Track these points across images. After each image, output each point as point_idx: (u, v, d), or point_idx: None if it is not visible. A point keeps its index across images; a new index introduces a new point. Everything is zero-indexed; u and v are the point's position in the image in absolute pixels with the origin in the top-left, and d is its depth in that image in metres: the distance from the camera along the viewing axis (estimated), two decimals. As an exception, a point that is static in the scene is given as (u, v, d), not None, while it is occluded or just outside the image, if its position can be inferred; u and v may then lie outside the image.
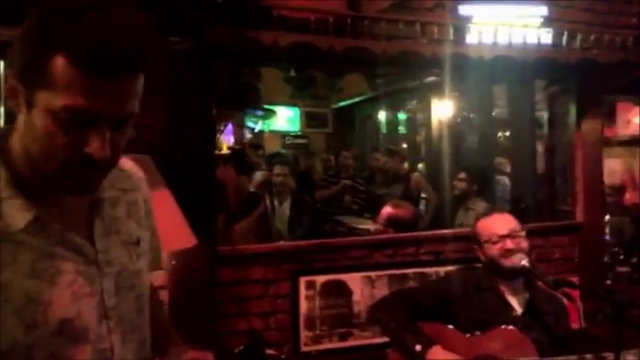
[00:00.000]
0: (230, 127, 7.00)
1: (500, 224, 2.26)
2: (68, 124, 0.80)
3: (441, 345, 2.09)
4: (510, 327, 2.14)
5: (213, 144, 3.17)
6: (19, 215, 0.84)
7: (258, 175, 4.95)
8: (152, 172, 2.19)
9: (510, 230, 2.22)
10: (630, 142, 3.42)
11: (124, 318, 0.96)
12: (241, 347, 2.06)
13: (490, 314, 2.19)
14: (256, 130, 8.19)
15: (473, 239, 2.36)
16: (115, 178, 0.98)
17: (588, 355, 1.92)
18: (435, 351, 2.06)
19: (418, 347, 2.07)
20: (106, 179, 0.91)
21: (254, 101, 7.15)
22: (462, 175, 4.59)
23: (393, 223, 3.35)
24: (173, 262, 2.48)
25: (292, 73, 7.27)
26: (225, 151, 6.33)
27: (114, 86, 0.80)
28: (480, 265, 2.41)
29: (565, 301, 2.25)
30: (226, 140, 6.98)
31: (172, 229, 2.14)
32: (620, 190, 3.42)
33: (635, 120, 3.30)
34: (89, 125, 0.81)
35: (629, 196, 3.37)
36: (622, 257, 3.39)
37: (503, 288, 2.26)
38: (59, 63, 0.78)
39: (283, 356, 2.58)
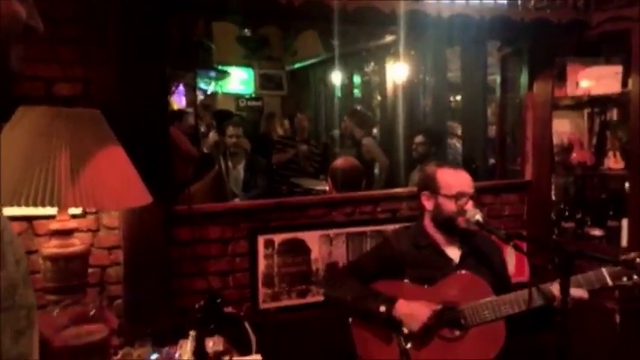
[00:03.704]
0: (181, 88, 6.79)
1: (467, 183, 2.26)
2: None
3: (403, 299, 2.14)
4: (463, 272, 2.21)
5: (166, 101, 3.05)
6: None
7: (212, 136, 4.85)
8: (103, 127, 2.11)
9: (472, 192, 2.26)
10: (578, 104, 3.51)
11: None
12: (200, 303, 2.06)
13: (432, 269, 2.23)
14: (209, 92, 7.99)
15: (425, 185, 2.33)
16: None
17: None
18: (399, 306, 2.10)
19: (382, 308, 2.10)
20: None
21: (206, 61, 6.95)
22: (420, 137, 4.65)
23: (332, 175, 3.38)
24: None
25: (246, 32, 7.08)
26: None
27: None
28: (411, 224, 2.44)
29: (514, 252, 2.33)
30: (177, 102, 6.77)
31: (125, 186, 2.07)
32: (567, 149, 3.52)
33: (583, 82, 3.38)
34: None
35: (575, 155, 3.48)
36: (567, 214, 3.53)
37: (439, 241, 2.29)
38: None
39: (242, 314, 2.58)
